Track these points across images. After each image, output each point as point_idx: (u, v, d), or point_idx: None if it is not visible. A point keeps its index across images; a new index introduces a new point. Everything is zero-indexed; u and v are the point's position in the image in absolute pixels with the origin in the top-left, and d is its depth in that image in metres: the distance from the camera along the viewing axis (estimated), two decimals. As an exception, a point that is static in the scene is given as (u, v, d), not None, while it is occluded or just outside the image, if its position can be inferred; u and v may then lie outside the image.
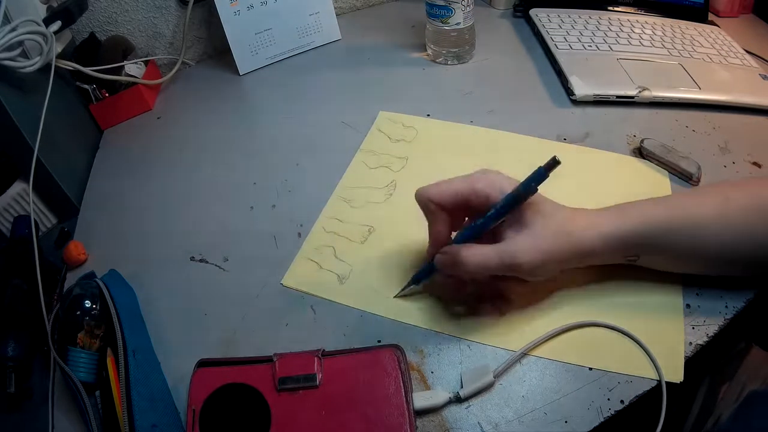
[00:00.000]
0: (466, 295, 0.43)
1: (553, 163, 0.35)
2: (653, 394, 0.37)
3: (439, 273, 0.41)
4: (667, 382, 0.37)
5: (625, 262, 0.41)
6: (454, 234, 0.41)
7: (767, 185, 0.40)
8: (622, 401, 0.37)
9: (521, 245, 0.37)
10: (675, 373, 0.37)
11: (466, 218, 0.42)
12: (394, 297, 0.44)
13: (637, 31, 0.71)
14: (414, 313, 0.43)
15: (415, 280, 0.43)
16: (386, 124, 0.63)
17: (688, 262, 0.41)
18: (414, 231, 0.49)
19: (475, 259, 0.37)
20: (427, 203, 0.39)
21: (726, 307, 0.41)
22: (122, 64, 0.68)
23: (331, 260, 0.48)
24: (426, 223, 0.41)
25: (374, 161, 0.58)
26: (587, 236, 0.38)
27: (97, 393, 0.40)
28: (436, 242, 0.41)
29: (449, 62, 0.72)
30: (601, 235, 0.38)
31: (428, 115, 0.63)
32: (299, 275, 0.47)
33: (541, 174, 0.36)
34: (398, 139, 0.60)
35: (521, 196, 0.36)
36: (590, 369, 0.39)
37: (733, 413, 0.45)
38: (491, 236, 0.39)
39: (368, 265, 0.47)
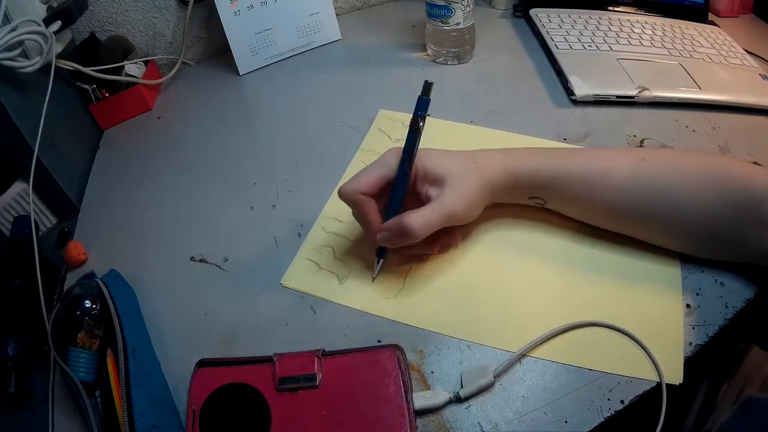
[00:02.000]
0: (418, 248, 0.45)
1: (427, 85, 0.40)
2: (653, 394, 0.37)
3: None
4: (667, 384, 0.37)
5: (533, 203, 0.45)
6: None
7: (686, 155, 0.42)
8: (622, 401, 0.37)
9: (450, 197, 0.41)
10: (675, 375, 0.37)
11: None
12: (373, 280, 0.46)
13: (637, 31, 0.71)
14: (414, 314, 0.43)
15: (379, 255, 0.45)
16: (386, 123, 0.63)
17: (599, 211, 0.43)
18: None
19: (419, 221, 0.40)
20: (356, 196, 0.41)
21: (726, 307, 0.41)
22: (122, 64, 0.68)
23: (330, 260, 0.48)
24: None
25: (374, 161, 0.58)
26: (492, 170, 0.43)
27: (97, 393, 0.40)
28: (373, 229, 0.43)
29: (449, 62, 0.72)
30: (504, 168, 0.43)
31: (428, 115, 0.63)
32: (299, 275, 0.47)
33: (423, 101, 0.41)
34: (398, 139, 0.60)
35: (415, 130, 0.41)
36: (590, 369, 0.38)
37: (732, 415, 0.45)
38: (418, 205, 0.41)
39: (368, 266, 0.47)
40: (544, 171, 0.42)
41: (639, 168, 0.41)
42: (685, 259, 0.44)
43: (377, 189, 0.42)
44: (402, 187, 0.42)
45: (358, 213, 0.43)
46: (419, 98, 0.41)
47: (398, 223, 0.40)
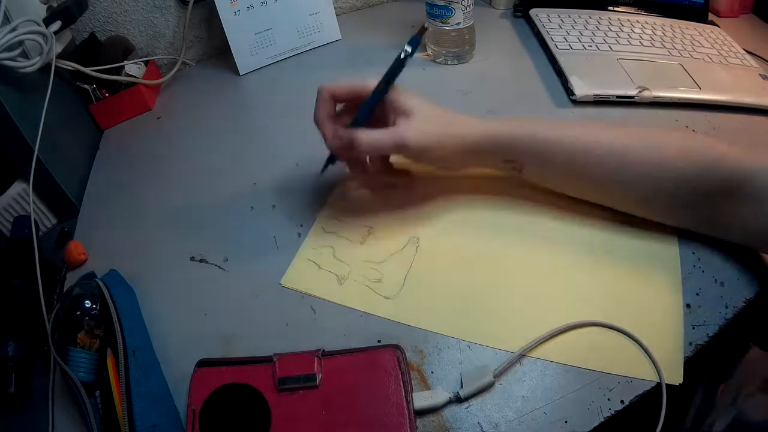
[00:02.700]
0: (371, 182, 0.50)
1: (423, 29, 0.44)
2: (653, 393, 0.37)
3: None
4: (666, 384, 0.37)
5: (509, 170, 0.46)
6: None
7: (669, 132, 0.45)
8: (622, 401, 0.37)
9: (409, 127, 0.43)
10: (675, 375, 0.37)
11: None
12: (320, 174, 0.49)
13: (637, 31, 0.71)
14: (413, 314, 0.43)
15: (328, 160, 0.49)
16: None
17: (578, 182, 0.45)
18: (414, 231, 0.49)
19: (367, 137, 0.43)
20: (322, 91, 0.45)
21: (726, 307, 0.41)
22: (122, 64, 0.68)
23: (330, 261, 0.48)
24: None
25: None
26: (466, 128, 0.44)
27: (97, 393, 0.40)
28: (322, 130, 0.46)
29: (449, 62, 0.72)
30: (480, 130, 0.44)
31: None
32: (298, 276, 0.47)
33: (415, 39, 0.43)
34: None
35: (400, 60, 0.43)
36: (590, 370, 0.38)
37: (730, 414, 0.45)
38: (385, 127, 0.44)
39: (367, 266, 0.47)
40: (524, 132, 0.43)
41: (623, 137, 0.43)
42: (685, 259, 0.44)
43: (344, 94, 0.45)
44: (370, 104, 0.44)
45: (316, 107, 0.45)
46: (413, 36, 0.44)
47: (349, 134, 0.43)
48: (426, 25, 0.43)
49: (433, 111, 0.44)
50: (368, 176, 0.48)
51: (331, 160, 0.49)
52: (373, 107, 0.44)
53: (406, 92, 0.45)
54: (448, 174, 0.50)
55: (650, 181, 0.42)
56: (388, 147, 0.44)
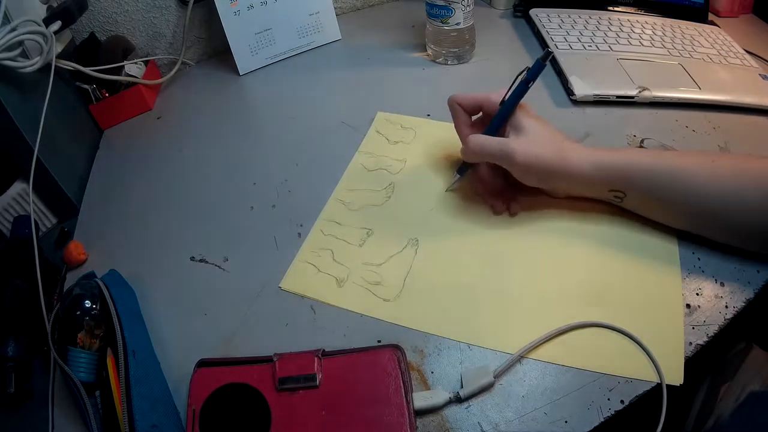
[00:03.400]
0: (491, 192, 0.51)
1: (547, 54, 0.45)
2: (653, 393, 0.37)
3: (472, 167, 0.51)
4: (667, 384, 0.37)
5: (610, 198, 0.46)
6: None
7: (753, 159, 0.42)
8: (622, 401, 0.37)
9: (518, 142, 0.45)
10: (675, 375, 0.37)
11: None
12: (446, 191, 0.52)
13: (637, 31, 0.71)
14: (413, 317, 0.43)
15: (460, 172, 0.52)
16: (384, 125, 0.62)
17: (672, 210, 0.44)
18: (412, 233, 0.49)
19: (475, 140, 0.47)
20: (451, 103, 0.50)
21: (726, 307, 0.41)
22: (122, 64, 0.68)
23: (329, 263, 0.48)
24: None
25: (372, 163, 0.58)
26: (577, 157, 0.45)
27: (97, 393, 0.40)
28: (461, 136, 0.50)
29: (449, 62, 0.72)
30: (591, 160, 0.44)
31: (428, 115, 0.63)
32: (297, 278, 0.47)
33: (540, 65, 0.46)
34: (396, 141, 0.60)
35: (525, 84, 0.46)
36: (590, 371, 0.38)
37: (733, 413, 0.45)
38: None
39: (366, 268, 0.47)
40: (632, 163, 0.44)
41: (710, 168, 0.42)
42: (685, 259, 0.44)
43: (469, 105, 0.50)
44: (498, 118, 0.48)
45: (452, 117, 0.51)
46: (538, 62, 0.46)
47: (468, 138, 0.48)
48: (549, 50, 0.46)
49: (545, 133, 0.46)
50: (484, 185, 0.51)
51: (460, 171, 0.52)
52: (501, 122, 0.48)
53: (527, 112, 0.47)
54: (551, 196, 0.50)
55: (759, 217, 0.40)
56: (493, 153, 0.46)
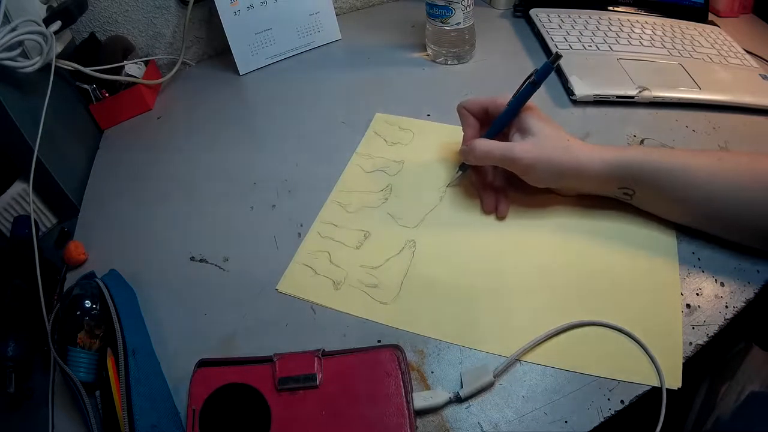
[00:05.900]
0: (486, 186, 0.51)
1: (556, 57, 0.45)
2: (653, 393, 0.37)
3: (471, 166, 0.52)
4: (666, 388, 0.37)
5: (619, 195, 0.46)
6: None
7: (761, 158, 0.42)
8: (622, 401, 0.37)
9: (521, 145, 0.46)
10: (674, 379, 0.37)
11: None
12: (447, 186, 0.53)
13: (637, 31, 0.71)
14: (410, 320, 0.43)
15: (462, 168, 0.53)
16: (382, 127, 0.62)
17: (678, 207, 0.44)
18: (409, 235, 0.49)
19: (480, 144, 0.47)
20: (459, 108, 0.52)
21: (726, 307, 0.41)
22: (122, 64, 0.68)
23: (326, 266, 0.48)
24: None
25: (370, 165, 0.57)
26: (587, 155, 0.45)
27: (97, 393, 0.40)
28: (466, 140, 0.51)
29: (449, 62, 0.72)
30: (602, 157, 0.44)
31: (428, 116, 0.63)
32: (294, 281, 0.47)
33: (548, 67, 0.45)
34: (394, 142, 0.60)
35: (531, 86, 0.46)
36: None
37: (733, 413, 0.45)
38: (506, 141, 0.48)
39: (364, 271, 0.47)
40: (642, 161, 0.44)
41: (717, 165, 0.42)
42: (685, 259, 0.44)
43: (476, 109, 0.51)
44: (501, 120, 0.48)
45: (462, 124, 0.52)
46: (547, 64, 0.45)
47: (472, 141, 0.48)
48: (559, 52, 0.45)
49: (551, 134, 0.46)
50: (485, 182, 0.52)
51: (462, 168, 0.53)
52: (504, 124, 0.49)
53: (534, 114, 0.47)
54: (561, 195, 0.50)
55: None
56: (497, 157, 0.47)
